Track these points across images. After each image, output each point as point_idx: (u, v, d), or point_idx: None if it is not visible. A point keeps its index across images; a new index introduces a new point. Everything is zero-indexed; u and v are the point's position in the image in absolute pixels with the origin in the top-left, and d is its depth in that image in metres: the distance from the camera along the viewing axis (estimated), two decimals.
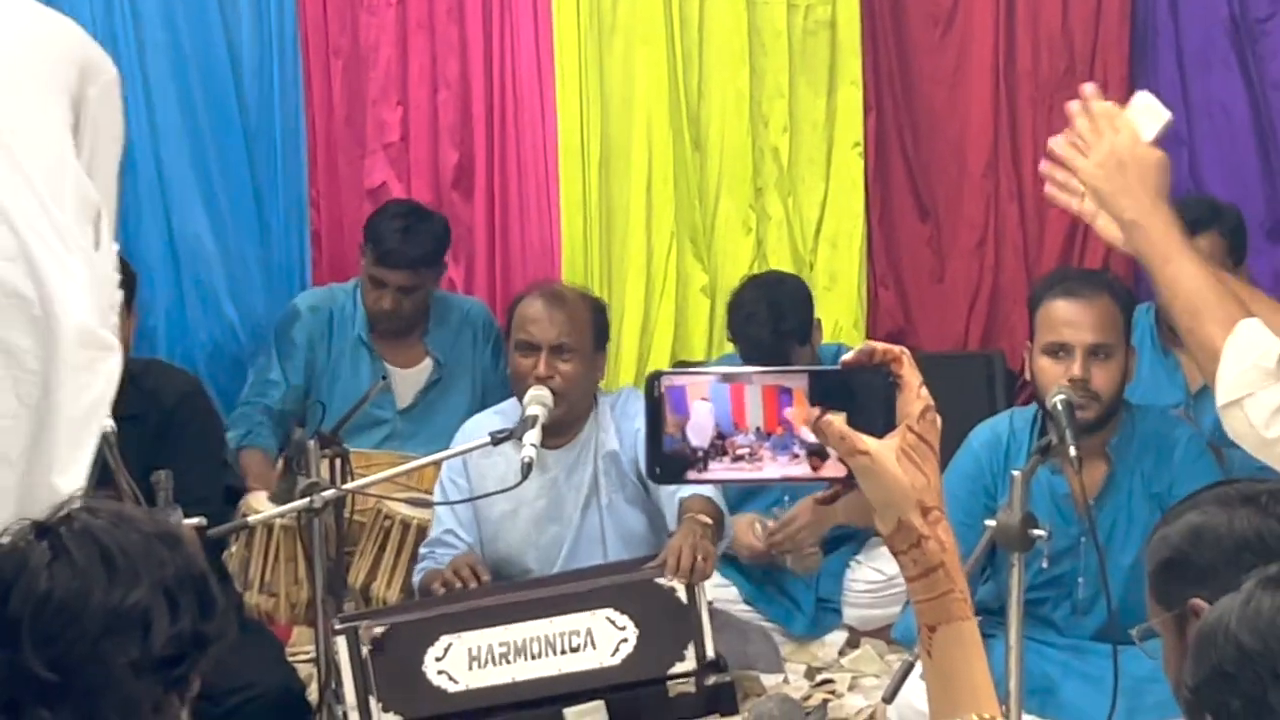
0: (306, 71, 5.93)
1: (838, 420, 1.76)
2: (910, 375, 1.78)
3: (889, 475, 1.75)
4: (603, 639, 4.02)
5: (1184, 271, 2.76)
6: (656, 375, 1.77)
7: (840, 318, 5.98)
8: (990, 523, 3.57)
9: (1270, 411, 2.67)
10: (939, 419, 1.78)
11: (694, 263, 5.99)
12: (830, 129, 6.01)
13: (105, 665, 2.13)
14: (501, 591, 4.24)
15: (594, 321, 4.62)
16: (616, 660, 4.02)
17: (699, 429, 1.76)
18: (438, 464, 4.63)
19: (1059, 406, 3.76)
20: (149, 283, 5.59)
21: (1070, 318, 4.11)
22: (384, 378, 5.10)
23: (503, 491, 4.35)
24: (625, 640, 4.02)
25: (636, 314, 5.92)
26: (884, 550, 4.66)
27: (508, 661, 4.01)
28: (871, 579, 5.04)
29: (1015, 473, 3.53)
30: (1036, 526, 3.53)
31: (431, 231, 5.48)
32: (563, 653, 4.02)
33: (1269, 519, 2.39)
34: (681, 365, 5.74)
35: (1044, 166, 2.93)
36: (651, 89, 5.92)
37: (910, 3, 6.00)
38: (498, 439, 4.23)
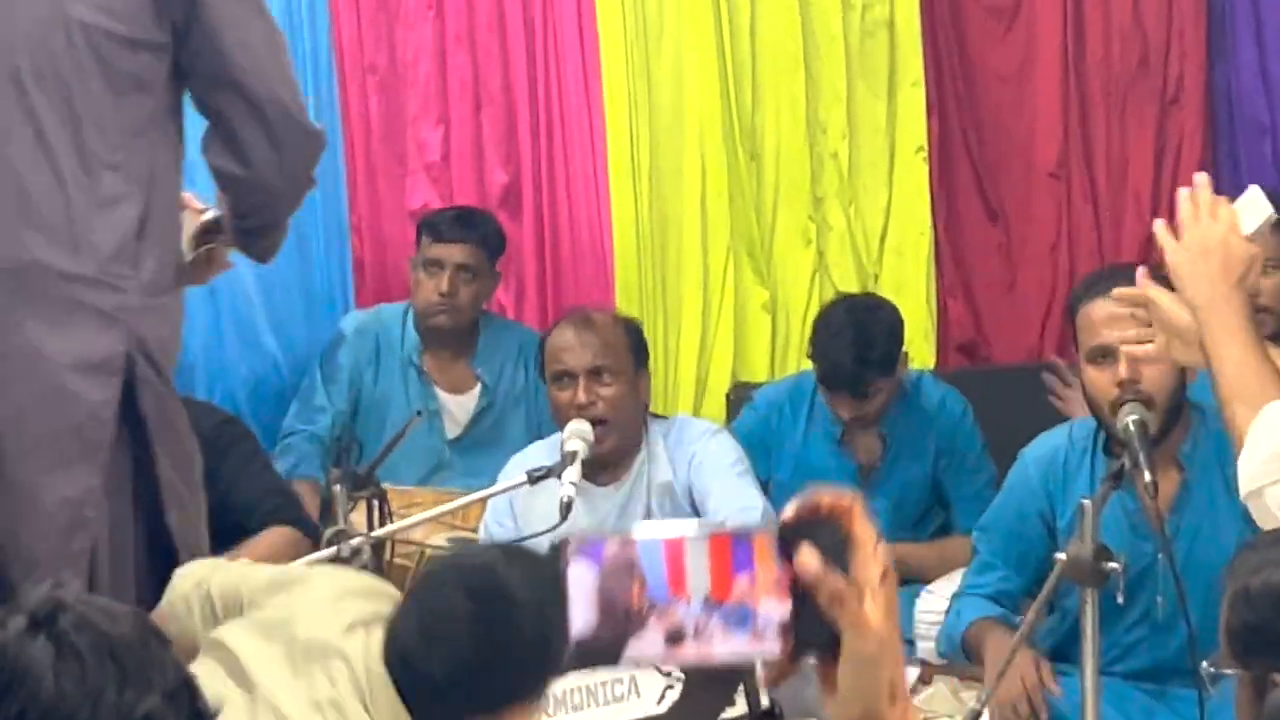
0: (342, 90, 5.68)
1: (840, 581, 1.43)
2: (864, 532, 1.47)
3: (882, 653, 1.44)
4: (647, 687, 3.76)
5: (1231, 355, 2.70)
6: (563, 543, 1.41)
7: (908, 331, 5.70)
8: (1060, 556, 3.34)
9: None
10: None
11: (752, 278, 5.72)
12: (891, 133, 5.75)
13: None
14: None
15: (629, 341, 4.38)
16: (662, 709, 3.76)
17: (605, 604, 1.40)
18: (483, 501, 4.40)
19: (1131, 428, 3.47)
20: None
21: (1110, 317, 3.74)
22: (419, 412, 4.87)
23: (547, 532, 4.12)
24: (671, 687, 3.76)
25: (694, 334, 5.67)
26: (953, 581, 4.48)
27: (547, 714, 3.76)
28: (943, 609, 4.76)
29: (1085, 502, 3.28)
30: (1111, 559, 3.28)
31: (488, 218, 5.37)
32: (606, 703, 3.77)
33: None
34: (742, 387, 5.48)
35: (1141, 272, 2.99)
36: (703, 97, 5.66)
37: None
38: (534, 478, 4.02)
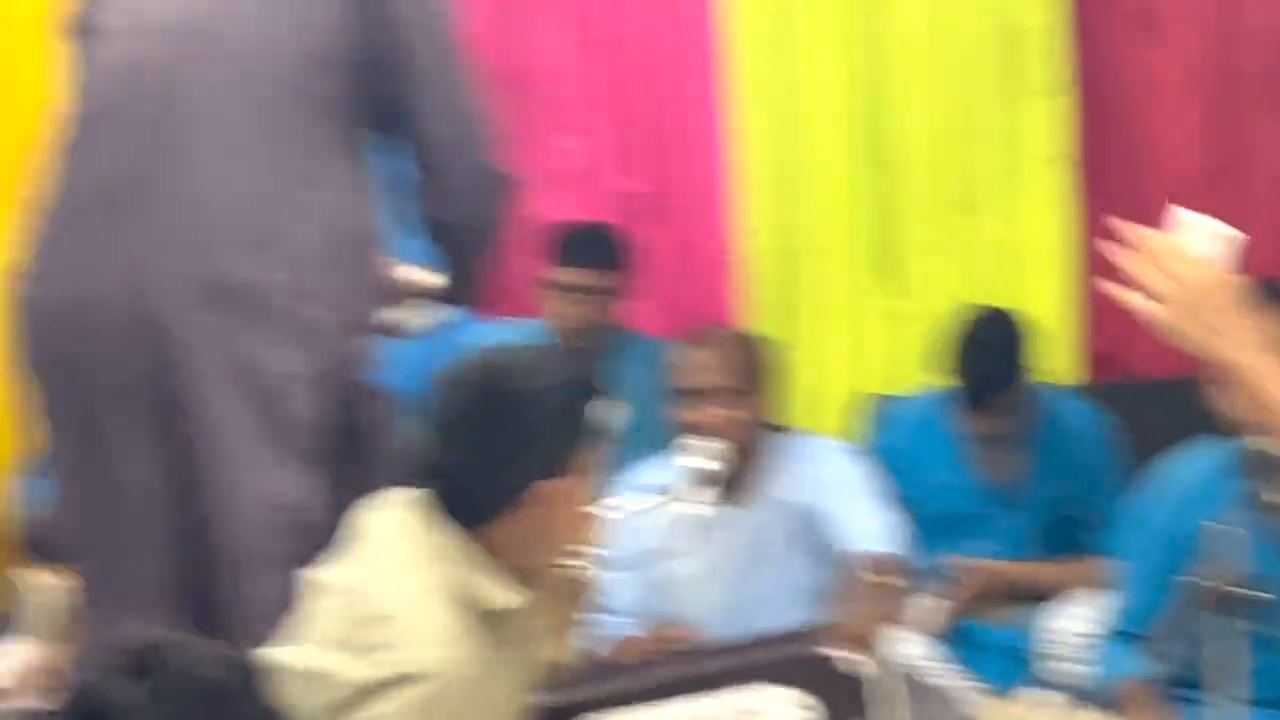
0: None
1: None
2: None
3: None
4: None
5: None
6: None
7: (1050, 344, 5.54)
8: (1192, 580, 3.20)
9: None
10: None
11: (884, 289, 5.57)
12: (1031, 140, 5.58)
13: None
14: (658, 664, 3.85)
15: (752, 360, 4.25)
16: None
17: None
18: None
19: (1259, 448, 3.31)
20: None
21: None
22: None
23: (664, 552, 4.03)
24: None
25: (823, 346, 5.53)
26: (1083, 602, 4.33)
27: None
28: (1073, 629, 4.59)
29: (1215, 525, 3.13)
30: (1245, 585, 3.13)
31: (614, 235, 5.25)
32: None
33: None
34: (873, 400, 5.33)
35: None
36: (834, 103, 5.52)
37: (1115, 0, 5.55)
38: (671, 497, 3.98)
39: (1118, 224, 2.66)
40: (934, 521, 4.68)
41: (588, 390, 2.91)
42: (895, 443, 4.82)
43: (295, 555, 3.17)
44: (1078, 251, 5.53)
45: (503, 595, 2.85)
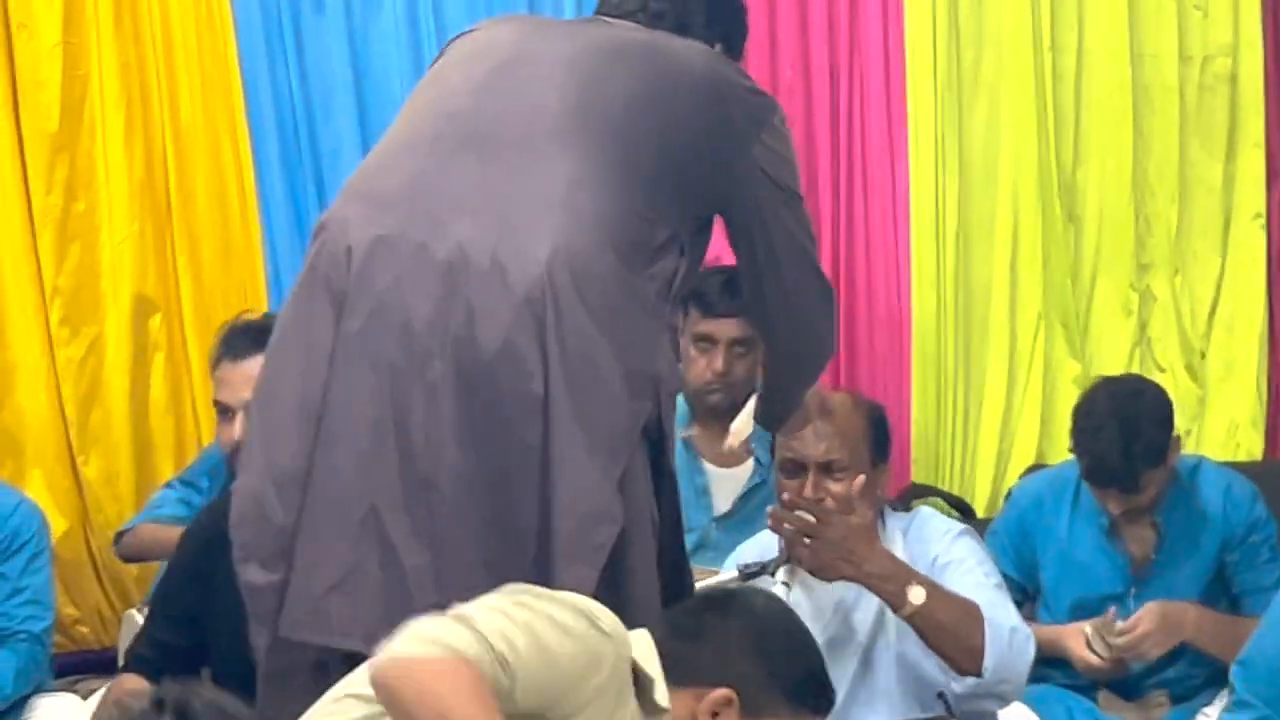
0: None
1: None
2: None
3: None
4: None
5: None
6: None
7: (1236, 414, 5.24)
8: None
9: None
10: None
11: (1065, 350, 5.28)
12: (1228, 197, 5.27)
13: None
14: None
15: (870, 432, 3.96)
16: None
17: None
18: None
19: None
20: None
21: None
22: None
23: None
24: None
25: (997, 408, 5.25)
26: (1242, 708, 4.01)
27: None
28: None
29: None
30: None
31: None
32: None
33: None
34: (1044, 469, 5.04)
35: None
36: (1019, 152, 5.24)
37: None
38: (746, 574, 3.74)
39: None
40: (1064, 600, 4.44)
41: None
42: (1022, 522, 4.56)
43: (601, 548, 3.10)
44: (1266, 317, 5.21)
45: (664, 694, 2.69)
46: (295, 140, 5.11)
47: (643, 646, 2.68)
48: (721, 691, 2.70)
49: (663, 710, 2.67)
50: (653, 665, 2.68)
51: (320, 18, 5.12)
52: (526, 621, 2.54)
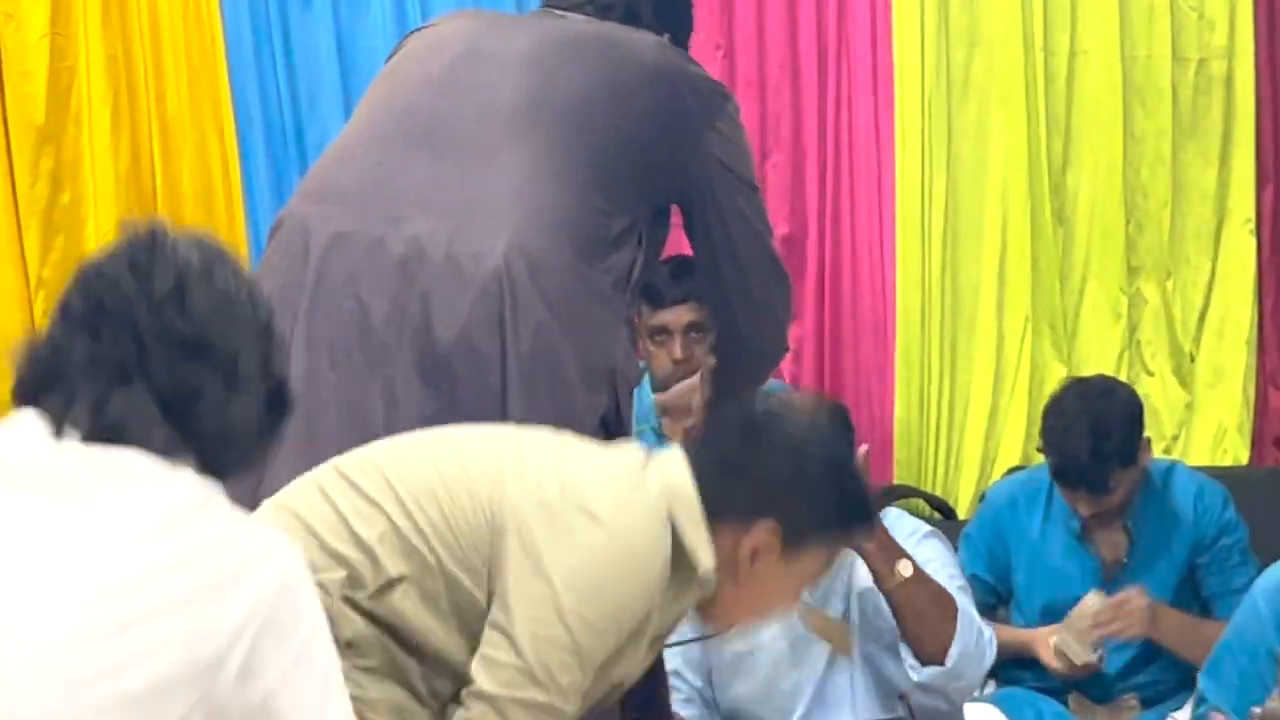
0: None
1: None
2: None
3: None
4: None
5: None
6: None
7: (1224, 419, 5.18)
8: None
9: None
10: None
11: (1052, 353, 5.23)
12: (1221, 202, 5.21)
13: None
14: None
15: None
16: None
17: None
18: None
19: None
20: None
21: None
22: None
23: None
24: None
25: (981, 411, 5.20)
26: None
27: None
28: None
29: None
30: None
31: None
32: None
33: None
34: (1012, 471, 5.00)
35: None
36: (1009, 154, 5.18)
37: None
38: None
39: None
40: (1036, 603, 4.42)
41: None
42: (994, 526, 4.53)
43: None
44: (1255, 323, 5.17)
45: (706, 554, 2.66)
46: (281, 134, 5.12)
47: (685, 500, 2.67)
48: (766, 523, 2.69)
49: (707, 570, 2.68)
50: (697, 530, 2.67)
51: (307, 12, 5.13)
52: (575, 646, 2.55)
